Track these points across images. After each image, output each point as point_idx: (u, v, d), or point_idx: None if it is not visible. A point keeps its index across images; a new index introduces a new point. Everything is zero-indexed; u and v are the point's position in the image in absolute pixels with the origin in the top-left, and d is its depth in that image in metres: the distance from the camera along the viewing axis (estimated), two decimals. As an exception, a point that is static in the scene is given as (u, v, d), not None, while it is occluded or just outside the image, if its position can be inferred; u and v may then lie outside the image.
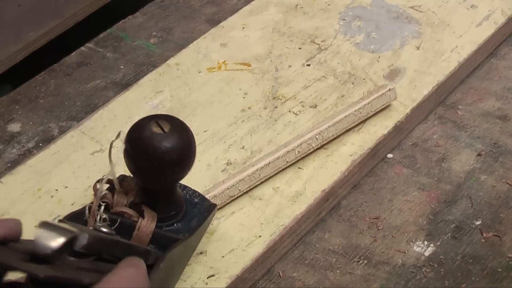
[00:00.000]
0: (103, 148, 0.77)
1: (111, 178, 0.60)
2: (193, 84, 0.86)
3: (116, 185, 0.60)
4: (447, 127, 0.84)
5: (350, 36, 0.93)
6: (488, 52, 0.94)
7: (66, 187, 0.73)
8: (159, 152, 0.56)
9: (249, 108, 0.82)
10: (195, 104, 0.83)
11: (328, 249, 0.71)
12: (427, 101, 0.84)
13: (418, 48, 0.91)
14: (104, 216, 0.58)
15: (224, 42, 0.93)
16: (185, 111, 0.82)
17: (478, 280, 0.68)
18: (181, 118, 0.80)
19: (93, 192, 0.61)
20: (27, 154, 0.81)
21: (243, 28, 0.95)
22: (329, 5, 0.99)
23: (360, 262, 0.70)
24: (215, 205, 0.65)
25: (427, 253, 0.70)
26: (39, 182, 0.74)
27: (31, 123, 0.85)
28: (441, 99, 0.87)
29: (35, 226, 0.47)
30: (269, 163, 0.72)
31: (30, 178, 0.74)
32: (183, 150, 0.58)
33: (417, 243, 0.71)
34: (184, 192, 0.65)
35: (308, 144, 0.75)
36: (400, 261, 0.70)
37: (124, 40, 0.98)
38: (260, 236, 0.68)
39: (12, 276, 0.47)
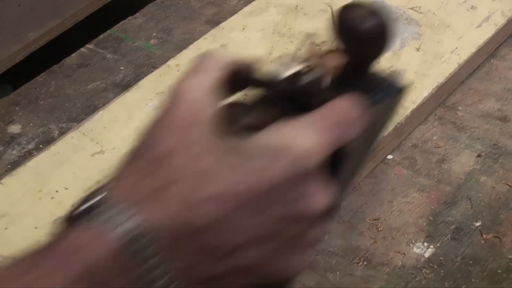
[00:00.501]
0: (103, 149, 0.77)
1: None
2: (193, 85, 0.86)
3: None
4: (447, 128, 0.84)
5: (350, 37, 0.93)
6: (488, 53, 0.94)
7: (67, 188, 0.73)
8: (361, 31, 0.53)
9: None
10: (195, 105, 0.83)
11: (328, 251, 0.71)
12: (427, 103, 0.84)
13: (418, 49, 0.91)
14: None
15: (224, 43, 0.93)
16: (185, 112, 0.82)
17: (478, 281, 0.68)
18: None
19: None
20: (27, 155, 0.81)
21: (243, 29, 0.95)
22: (329, 6, 0.99)
23: (360, 263, 0.70)
24: (405, 86, 0.63)
25: (427, 255, 0.71)
26: (40, 183, 0.74)
27: (31, 124, 0.85)
28: (441, 100, 0.87)
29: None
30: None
31: (30, 179, 0.74)
32: (385, 29, 0.57)
33: (417, 244, 0.72)
34: (376, 74, 0.63)
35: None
36: (400, 263, 0.70)
37: (124, 41, 0.98)
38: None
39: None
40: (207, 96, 0.43)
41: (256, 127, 0.44)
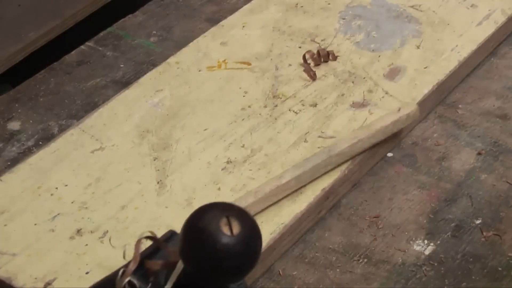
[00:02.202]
0: (103, 146, 0.77)
1: (152, 235, 0.57)
2: (193, 83, 0.86)
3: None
4: (447, 126, 0.84)
5: (350, 35, 0.93)
6: (488, 51, 0.94)
7: (66, 185, 0.73)
8: (218, 256, 0.49)
9: (249, 106, 0.82)
10: (195, 102, 0.83)
11: (328, 248, 0.71)
12: (427, 100, 0.84)
13: (418, 47, 0.91)
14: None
15: (224, 41, 0.93)
16: (185, 109, 0.82)
17: (478, 279, 0.68)
18: (181, 117, 0.81)
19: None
20: (27, 152, 0.81)
21: (243, 26, 0.95)
22: (329, 4, 0.99)
23: (360, 260, 0.70)
24: None
25: (427, 252, 0.70)
26: (39, 180, 0.73)
27: (31, 121, 0.85)
28: (441, 98, 0.87)
29: None
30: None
31: (30, 176, 0.74)
32: (245, 259, 0.51)
33: (417, 241, 0.71)
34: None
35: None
36: (400, 260, 0.70)
37: (124, 38, 0.98)
38: (260, 234, 0.68)
39: None
40: None
41: None
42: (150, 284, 0.55)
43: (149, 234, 0.56)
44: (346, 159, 0.74)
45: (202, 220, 0.50)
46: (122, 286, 0.54)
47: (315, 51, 0.87)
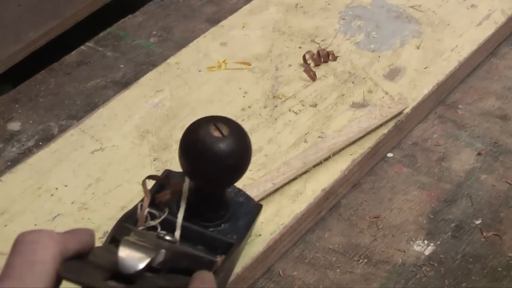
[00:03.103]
0: (103, 147, 0.77)
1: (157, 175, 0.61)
2: (193, 83, 0.86)
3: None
4: (447, 126, 0.84)
5: (350, 35, 0.93)
6: (488, 51, 0.94)
7: (66, 185, 0.73)
8: (218, 157, 0.54)
9: (249, 107, 0.82)
10: (195, 103, 0.83)
11: (328, 248, 0.71)
12: (427, 101, 0.84)
13: (418, 47, 0.91)
14: (158, 218, 0.58)
15: (224, 41, 0.93)
16: (185, 110, 0.82)
17: (478, 279, 0.68)
18: (181, 117, 0.81)
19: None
20: (27, 152, 0.81)
21: (243, 27, 0.95)
22: (329, 4, 0.99)
23: (360, 261, 0.70)
24: (261, 205, 0.64)
25: (427, 252, 0.70)
26: (39, 180, 0.73)
27: (31, 121, 0.85)
28: (441, 98, 0.87)
29: (116, 245, 0.48)
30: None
31: (30, 176, 0.74)
32: (242, 154, 0.56)
33: (417, 242, 0.71)
34: (230, 190, 0.63)
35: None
36: (400, 260, 0.70)
37: (124, 39, 0.98)
38: (260, 235, 0.68)
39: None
40: None
41: None
42: (166, 212, 0.58)
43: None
44: (338, 146, 0.75)
45: (193, 134, 0.55)
46: (144, 216, 0.57)
47: (315, 52, 0.87)
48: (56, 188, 0.73)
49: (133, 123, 0.80)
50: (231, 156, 0.55)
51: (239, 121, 0.80)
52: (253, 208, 0.63)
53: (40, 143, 0.82)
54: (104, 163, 0.75)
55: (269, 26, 0.95)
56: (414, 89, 0.84)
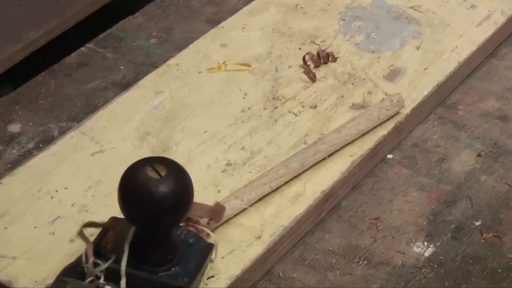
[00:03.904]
0: (103, 149, 0.77)
1: (95, 222, 0.60)
2: (193, 85, 0.86)
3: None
4: (447, 127, 0.84)
5: (350, 36, 0.93)
6: (488, 52, 0.94)
7: (66, 188, 0.73)
8: (156, 199, 0.53)
9: (249, 108, 0.82)
10: (195, 104, 0.83)
11: (328, 250, 0.71)
12: (427, 102, 0.84)
13: (418, 48, 0.91)
14: (101, 266, 0.57)
15: (224, 43, 0.93)
16: (185, 111, 0.82)
17: (478, 280, 0.68)
18: (181, 119, 0.81)
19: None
20: (27, 155, 0.81)
21: (243, 28, 0.95)
22: (329, 5, 0.99)
23: (360, 262, 0.70)
24: (212, 244, 0.63)
25: (427, 254, 0.70)
26: (39, 183, 0.74)
27: (31, 123, 0.85)
28: (441, 99, 0.87)
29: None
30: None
31: (30, 179, 0.74)
32: (181, 194, 0.55)
33: (417, 243, 0.71)
34: (179, 232, 0.62)
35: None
36: (400, 262, 0.70)
37: (124, 40, 0.98)
38: (260, 237, 0.68)
39: None
40: None
41: None
42: (111, 260, 0.57)
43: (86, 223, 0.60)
44: (335, 148, 0.75)
45: (130, 178, 0.55)
46: (91, 265, 0.57)
47: (315, 53, 0.87)
48: (56, 191, 0.73)
49: (133, 125, 0.80)
50: (170, 197, 0.54)
51: (239, 122, 0.80)
52: (204, 248, 0.62)
53: (40, 145, 0.82)
54: (104, 165, 0.75)
55: (269, 27, 0.95)
56: (414, 90, 0.84)
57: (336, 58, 0.88)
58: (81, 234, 0.58)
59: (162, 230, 0.58)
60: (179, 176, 0.55)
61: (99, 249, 0.58)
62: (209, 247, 0.63)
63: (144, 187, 0.54)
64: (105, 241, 0.58)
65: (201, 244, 0.63)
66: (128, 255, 0.57)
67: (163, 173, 0.54)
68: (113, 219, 0.61)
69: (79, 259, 0.58)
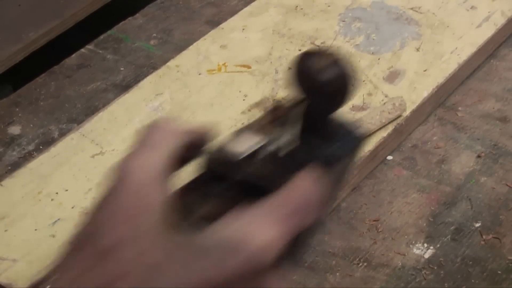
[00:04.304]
0: (103, 151, 0.77)
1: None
2: (193, 86, 0.86)
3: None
4: (447, 128, 0.84)
5: (350, 37, 0.93)
6: (488, 53, 0.94)
7: (67, 190, 0.73)
8: (322, 82, 0.55)
9: (249, 110, 0.82)
10: (195, 106, 0.83)
11: (327, 252, 0.71)
12: (427, 103, 0.84)
13: (418, 49, 0.91)
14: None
15: (224, 44, 0.93)
16: (185, 113, 0.82)
17: (478, 282, 0.68)
18: (181, 121, 0.80)
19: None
20: (27, 157, 0.81)
21: (243, 29, 0.95)
22: (329, 6, 0.99)
23: (360, 264, 0.70)
24: (363, 134, 0.64)
25: (427, 255, 0.71)
26: (40, 185, 0.74)
27: (31, 125, 0.85)
28: (441, 100, 0.87)
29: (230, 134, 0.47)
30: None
31: (30, 181, 0.74)
32: (343, 80, 0.57)
33: (417, 245, 0.72)
34: (335, 122, 0.64)
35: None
36: (400, 264, 0.70)
37: (124, 41, 0.98)
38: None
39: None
40: (157, 177, 0.40)
41: (212, 217, 0.42)
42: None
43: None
44: None
45: (300, 62, 0.53)
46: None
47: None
48: (57, 193, 0.73)
49: (133, 127, 0.80)
50: (339, 79, 0.53)
51: (239, 124, 0.80)
52: (359, 136, 0.63)
53: (41, 147, 0.82)
54: (105, 167, 0.75)
55: (269, 28, 0.95)
56: (414, 91, 0.84)
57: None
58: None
59: (330, 109, 0.57)
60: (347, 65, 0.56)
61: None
62: (363, 136, 0.61)
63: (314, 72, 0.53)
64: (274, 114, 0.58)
65: (357, 131, 0.61)
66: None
67: (331, 60, 0.54)
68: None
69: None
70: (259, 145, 0.47)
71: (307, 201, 0.42)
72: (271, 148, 0.48)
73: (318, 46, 0.92)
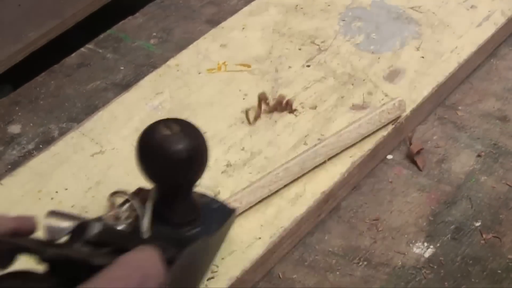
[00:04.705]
0: (103, 150, 0.77)
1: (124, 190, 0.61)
2: (193, 85, 0.86)
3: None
4: (447, 128, 0.84)
5: (350, 36, 0.93)
6: (488, 52, 0.94)
7: (66, 189, 0.73)
8: (170, 153, 0.56)
9: (249, 109, 0.82)
10: (195, 105, 0.83)
11: (328, 251, 0.71)
12: (427, 102, 0.84)
13: (418, 49, 0.91)
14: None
15: (224, 43, 0.93)
16: (185, 112, 0.82)
17: (478, 281, 0.68)
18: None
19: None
20: (27, 155, 0.81)
21: (243, 28, 0.95)
22: (329, 5, 0.99)
23: (360, 263, 0.70)
24: (234, 209, 0.65)
25: (427, 255, 0.71)
26: (39, 183, 0.74)
27: (31, 124, 0.85)
28: (441, 99, 0.87)
29: (44, 216, 0.47)
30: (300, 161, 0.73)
31: (30, 179, 0.74)
32: (194, 149, 0.58)
33: (417, 244, 0.72)
34: (203, 199, 0.64)
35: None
36: (400, 263, 0.70)
37: (124, 41, 0.98)
38: (260, 238, 0.68)
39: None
40: None
41: None
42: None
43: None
44: (335, 151, 0.75)
45: (145, 138, 0.57)
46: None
47: (272, 97, 0.82)
48: (56, 192, 0.73)
49: (133, 126, 0.80)
50: (183, 151, 0.56)
51: (238, 123, 0.80)
52: (226, 213, 0.64)
53: (41, 146, 0.82)
54: (104, 166, 0.75)
55: (269, 27, 0.95)
56: (414, 90, 0.84)
57: (294, 110, 0.82)
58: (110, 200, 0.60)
59: (179, 186, 0.60)
60: (191, 133, 0.58)
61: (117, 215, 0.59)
62: (232, 211, 0.64)
63: (158, 143, 0.56)
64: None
65: (225, 209, 0.64)
66: (151, 214, 0.58)
67: (176, 130, 0.57)
68: (139, 188, 0.62)
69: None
70: (68, 230, 0.47)
71: (141, 279, 0.41)
72: (97, 228, 0.49)
73: (318, 45, 0.92)
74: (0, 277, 0.45)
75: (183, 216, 0.61)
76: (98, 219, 0.54)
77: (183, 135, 0.57)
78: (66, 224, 0.47)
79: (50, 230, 0.46)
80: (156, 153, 0.57)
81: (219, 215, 0.64)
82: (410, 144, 0.81)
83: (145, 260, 0.44)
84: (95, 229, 0.49)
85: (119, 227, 0.57)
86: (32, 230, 0.47)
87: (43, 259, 0.45)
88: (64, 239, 0.47)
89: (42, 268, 0.46)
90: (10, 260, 0.46)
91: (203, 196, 0.65)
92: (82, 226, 0.48)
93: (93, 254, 0.47)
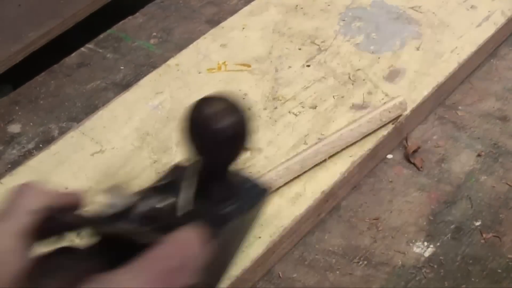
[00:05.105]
0: (103, 149, 0.77)
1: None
2: (193, 85, 0.86)
3: None
4: (447, 127, 0.84)
5: (350, 37, 0.93)
6: (488, 52, 0.94)
7: (66, 188, 0.73)
8: (215, 130, 0.56)
9: (249, 109, 0.82)
10: (195, 105, 0.83)
11: (328, 250, 0.71)
12: (427, 102, 0.84)
13: (418, 49, 0.91)
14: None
15: (224, 43, 0.93)
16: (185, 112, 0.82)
17: (478, 280, 0.68)
18: (181, 120, 0.81)
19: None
20: (27, 155, 0.81)
21: (243, 28, 0.95)
22: (329, 5, 0.99)
23: (360, 263, 0.70)
24: (267, 189, 0.65)
25: (427, 254, 0.71)
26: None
27: (31, 124, 0.85)
28: (441, 99, 0.87)
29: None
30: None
31: (30, 179, 0.74)
32: (238, 127, 0.58)
33: (417, 244, 0.72)
34: (237, 178, 0.64)
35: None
36: (400, 262, 0.70)
37: (124, 40, 0.98)
38: (259, 237, 0.68)
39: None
40: (14, 246, 0.40)
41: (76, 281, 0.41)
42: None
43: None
44: (336, 149, 0.75)
45: (191, 114, 0.54)
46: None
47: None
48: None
49: (133, 125, 0.80)
50: (228, 129, 0.54)
51: (239, 123, 0.80)
52: (260, 192, 0.63)
53: (41, 145, 0.82)
54: (104, 166, 0.75)
55: (269, 27, 0.95)
56: (414, 90, 0.84)
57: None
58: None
59: (221, 163, 0.58)
60: (237, 112, 0.56)
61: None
62: (265, 191, 0.63)
63: (205, 120, 0.53)
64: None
65: (258, 188, 0.62)
66: (194, 191, 0.57)
67: (222, 107, 0.55)
68: (175, 165, 0.62)
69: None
70: (128, 205, 0.47)
71: (182, 260, 0.41)
72: (144, 207, 0.48)
73: (318, 45, 0.92)
74: (48, 254, 0.45)
75: (220, 193, 0.60)
76: (143, 197, 0.53)
77: (230, 111, 0.56)
78: (119, 200, 0.47)
79: (110, 205, 0.46)
80: (206, 128, 0.55)
81: (253, 194, 0.63)
82: (407, 143, 0.81)
83: (188, 242, 0.43)
84: (142, 207, 0.48)
85: (162, 204, 0.56)
86: (77, 205, 0.47)
87: (94, 235, 0.45)
88: (111, 215, 0.47)
89: (84, 245, 0.46)
90: (59, 236, 0.45)
91: (237, 173, 0.64)
92: (130, 204, 0.48)
93: (139, 232, 0.47)
